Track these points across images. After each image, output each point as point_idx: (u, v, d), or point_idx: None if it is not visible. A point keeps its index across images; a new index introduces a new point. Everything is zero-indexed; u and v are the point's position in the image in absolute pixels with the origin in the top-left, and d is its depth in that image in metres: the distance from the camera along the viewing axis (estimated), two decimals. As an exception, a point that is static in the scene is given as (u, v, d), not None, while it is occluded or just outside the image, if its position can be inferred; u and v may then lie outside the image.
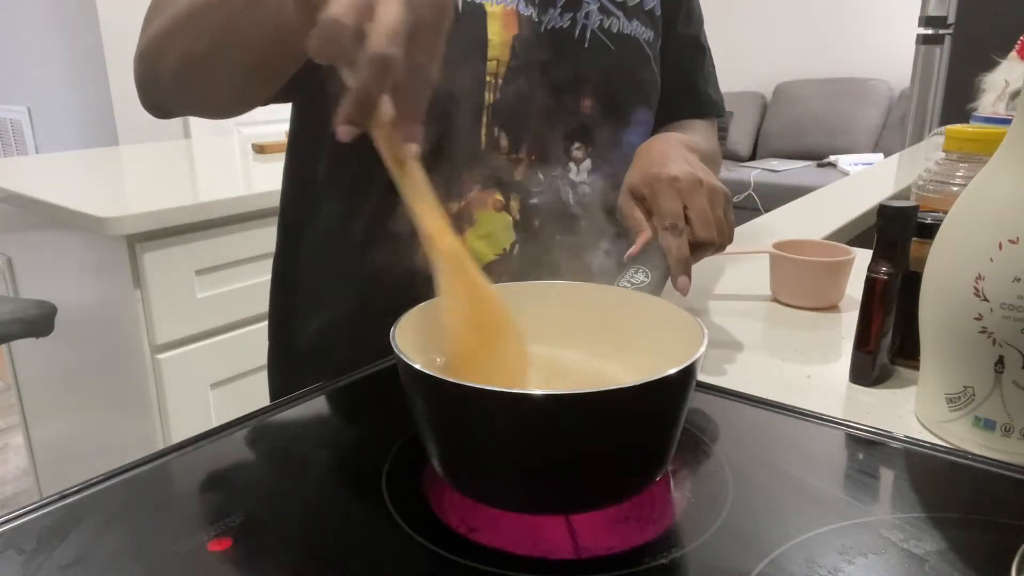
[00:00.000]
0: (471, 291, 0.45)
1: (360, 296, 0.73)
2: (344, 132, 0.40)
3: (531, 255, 0.70)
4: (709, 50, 0.88)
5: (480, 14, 0.66)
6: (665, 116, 0.83)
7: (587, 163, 0.74)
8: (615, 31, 0.73)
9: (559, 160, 0.72)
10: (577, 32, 0.71)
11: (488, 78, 0.67)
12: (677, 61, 0.82)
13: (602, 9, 0.72)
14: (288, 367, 0.83)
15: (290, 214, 0.82)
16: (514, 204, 0.70)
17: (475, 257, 0.68)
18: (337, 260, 0.75)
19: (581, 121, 0.73)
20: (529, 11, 0.68)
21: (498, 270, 0.69)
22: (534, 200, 0.71)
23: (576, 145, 0.72)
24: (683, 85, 0.85)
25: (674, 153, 0.66)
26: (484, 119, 0.68)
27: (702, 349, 0.41)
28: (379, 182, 0.59)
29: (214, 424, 0.51)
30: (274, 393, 0.85)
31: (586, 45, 0.72)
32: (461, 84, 0.66)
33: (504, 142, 0.69)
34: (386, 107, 0.41)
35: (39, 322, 1.28)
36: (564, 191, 0.72)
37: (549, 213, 0.71)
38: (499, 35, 0.66)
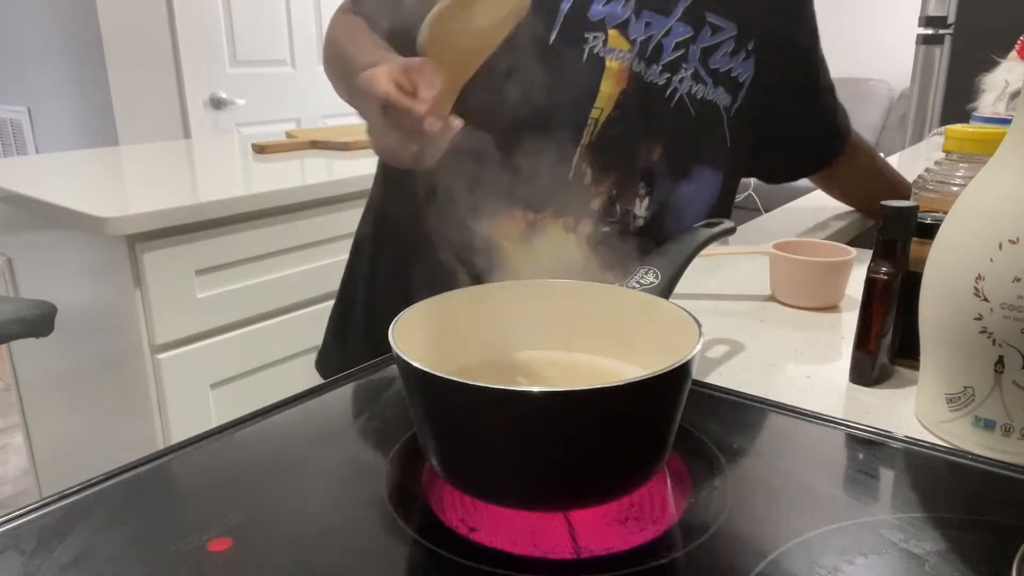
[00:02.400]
0: None
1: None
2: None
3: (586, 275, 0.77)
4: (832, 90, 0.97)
5: (599, 68, 0.74)
6: (816, 158, 0.99)
7: (647, 201, 0.83)
8: (699, 97, 0.80)
9: (626, 196, 0.81)
10: (668, 92, 0.79)
11: (589, 123, 0.76)
12: (820, 110, 0.94)
13: (695, 76, 0.80)
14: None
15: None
16: (584, 230, 0.77)
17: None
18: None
19: (648, 166, 0.81)
20: (640, 67, 0.77)
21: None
22: (605, 229, 0.80)
23: (642, 185, 0.81)
24: (827, 130, 0.97)
25: None
26: (576, 155, 0.76)
27: (698, 346, 0.41)
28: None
29: (214, 424, 0.51)
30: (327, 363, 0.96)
31: (672, 105, 0.79)
32: (565, 123, 0.75)
33: (588, 178, 0.77)
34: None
35: (39, 322, 1.27)
36: (628, 222, 0.82)
37: (611, 241, 0.77)
38: (610, 88, 0.75)
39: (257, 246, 1.45)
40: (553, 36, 0.71)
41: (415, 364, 0.40)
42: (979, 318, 0.47)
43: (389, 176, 0.90)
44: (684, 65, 0.78)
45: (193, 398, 1.40)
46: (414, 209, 0.79)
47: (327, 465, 0.48)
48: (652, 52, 0.77)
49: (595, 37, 0.73)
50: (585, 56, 0.73)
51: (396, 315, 0.46)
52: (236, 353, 1.45)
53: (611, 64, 0.74)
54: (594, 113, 0.75)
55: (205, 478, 0.46)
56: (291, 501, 0.43)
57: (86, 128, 2.89)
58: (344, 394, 0.57)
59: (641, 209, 0.82)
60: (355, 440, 0.51)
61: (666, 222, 0.85)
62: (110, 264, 1.32)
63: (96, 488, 0.44)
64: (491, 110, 0.74)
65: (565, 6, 0.71)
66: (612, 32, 0.74)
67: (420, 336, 0.46)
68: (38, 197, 1.37)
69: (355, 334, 0.95)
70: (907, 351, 0.60)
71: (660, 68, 0.77)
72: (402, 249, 0.85)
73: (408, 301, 0.49)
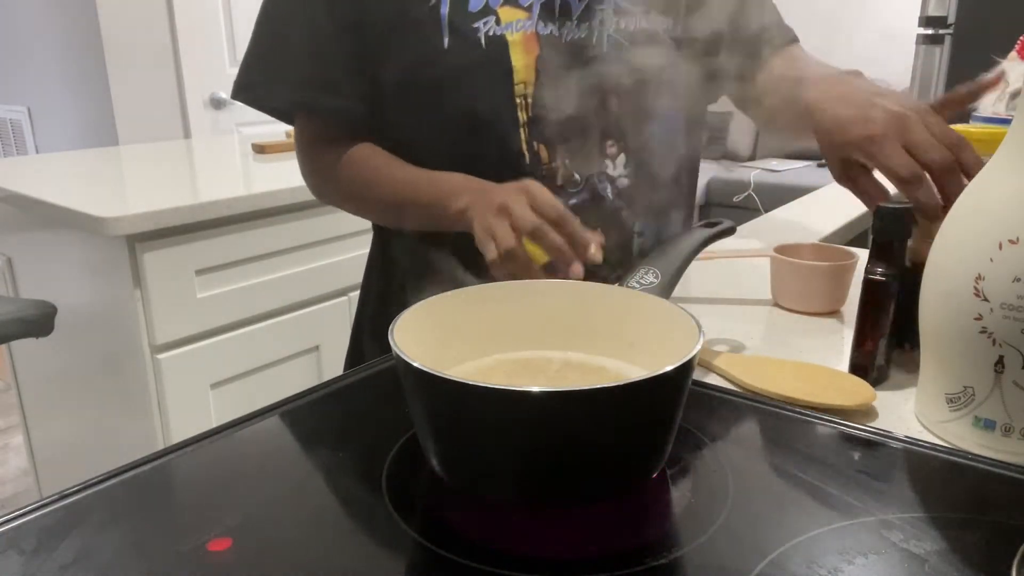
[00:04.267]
0: None
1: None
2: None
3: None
4: None
5: (503, 45, 0.73)
6: (752, 53, 0.87)
7: (622, 157, 0.80)
8: (632, 29, 0.78)
9: (595, 160, 0.78)
10: (595, 39, 0.77)
11: (519, 100, 0.74)
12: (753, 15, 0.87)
13: (617, 11, 0.77)
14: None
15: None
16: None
17: (533, 258, 0.74)
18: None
19: (609, 120, 0.78)
20: (549, 29, 0.75)
21: (552, 268, 0.75)
22: (573, 200, 0.77)
23: (609, 143, 0.78)
24: (761, 22, 0.89)
25: (848, 97, 0.69)
26: (523, 137, 0.75)
27: (698, 347, 0.41)
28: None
29: (214, 424, 0.51)
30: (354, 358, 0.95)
31: (604, 49, 0.77)
32: (497, 111, 0.74)
33: (544, 154, 0.76)
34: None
35: (39, 322, 1.27)
36: (603, 187, 0.79)
37: (586, 212, 0.76)
38: (522, 60, 0.74)
39: (257, 246, 1.45)
40: (446, 42, 0.72)
41: (415, 364, 0.40)
42: (979, 318, 0.47)
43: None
44: (599, 7, 0.76)
45: (193, 398, 1.40)
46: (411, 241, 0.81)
47: (327, 465, 0.48)
48: (560, 11, 0.75)
49: (485, 23, 0.73)
50: (483, 42, 0.73)
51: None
52: (236, 353, 1.45)
53: (513, 37, 0.73)
54: (518, 89, 0.74)
55: (205, 478, 0.46)
56: (291, 501, 0.43)
57: (86, 128, 2.89)
58: (344, 394, 0.57)
59: (618, 168, 0.80)
60: (355, 440, 0.51)
61: (648, 174, 0.82)
62: (110, 264, 1.32)
63: (96, 488, 0.44)
64: (428, 134, 0.77)
65: (445, 11, 0.72)
66: (502, 10, 0.73)
67: (420, 336, 0.46)
68: (38, 197, 1.37)
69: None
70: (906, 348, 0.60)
71: (575, 23, 0.76)
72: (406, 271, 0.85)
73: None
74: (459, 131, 0.76)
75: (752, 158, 4.47)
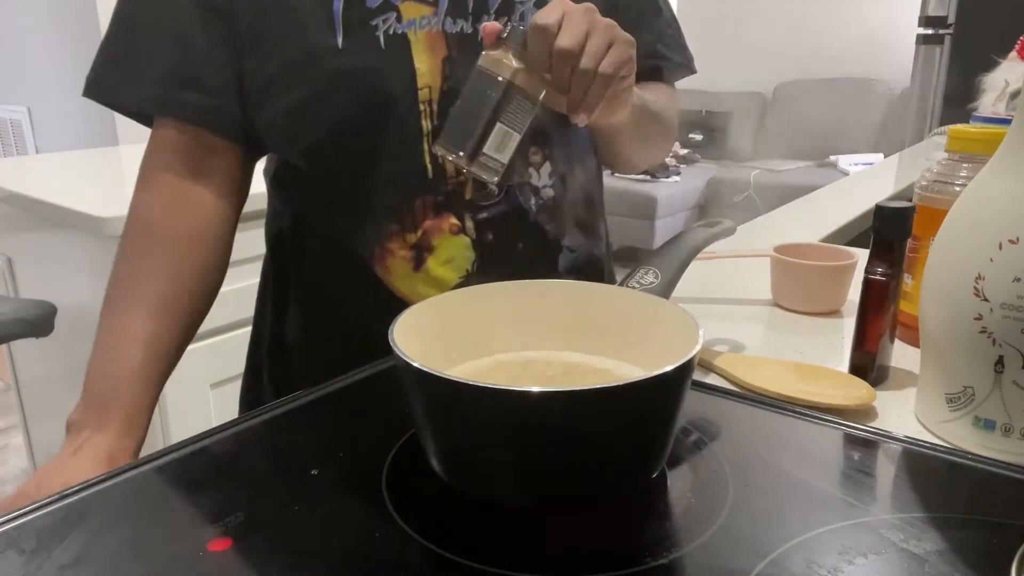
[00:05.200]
0: None
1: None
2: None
3: (490, 271, 0.69)
4: (668, 9, 0.83)
5: (404, 45, 0.65)
6: (671, 71, 0.80)
7: (547, 166, 0.72)
8: None
9: (513, 169, 0.69)
10: None
11: (422, 106, 0.66)
12: (634, 25, 0.76)
13: (538, 4, 0.69)
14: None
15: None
16: (470, 224, 0.69)
17: (439, 284, 0.68)
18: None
19: (535, 125, 0.70)
20: (459, 26, 0.67)
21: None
22: (483, 215, 0.69)
23: (532, 149, 0.70)
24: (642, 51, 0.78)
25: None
26: (425, 147, 0.67)
27: (698, 347, 0.41)
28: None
29: (214, 424, 0.51)
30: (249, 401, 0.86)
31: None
32: (396, 121, 0.66)
33: (449, 167, 0.67)
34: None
35: (39, 322, 1.27)
36: (525, 198, 0.71)
37: (504, 225, 0.70)
38: (427, 62, 0.66)
39: (257, 246, 1.44)
40: (340, 40, 0.64)
41: (415, 364, 0.40)
42: (979, 318, 0.47)
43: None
44: (519, 2, 0.69)
45: (193, 398, 1.39)
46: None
47: (327, 465, 0.48)
48: (475, 5, 0.67)
49: (384, 20, 0.65)
50: (382, 41, 0.64)
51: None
52: (236, 353, 1.45)
53: (416, 36, 0.65)
54: (422, 94, 0.66)
55: (205, 478, 0.46)
56: (291, 501, 0.43)
57: (86, 128, 2.89)
58: (344, 394, 0.57)
59: (543, 178, 0.71)
60: (355, 440, 0.51)
61: (576, 185, 0.74)
62: (110, 264, 1.32)
63: (96, 488, 0.44)
64: (308, 146, 0.67)
65: (338, 6, 0.64)
66: (404, 5, 0.65)
67: (420, 336, 0.46)
68: (38, 197, 1.37)
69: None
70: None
71: (492, 17, 0.68)
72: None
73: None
74: (350, 144, 0.67)
75: (752, 158, 4.48)
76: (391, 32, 0.65)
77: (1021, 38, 1.45)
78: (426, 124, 0.66)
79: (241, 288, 1.43)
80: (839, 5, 4.22)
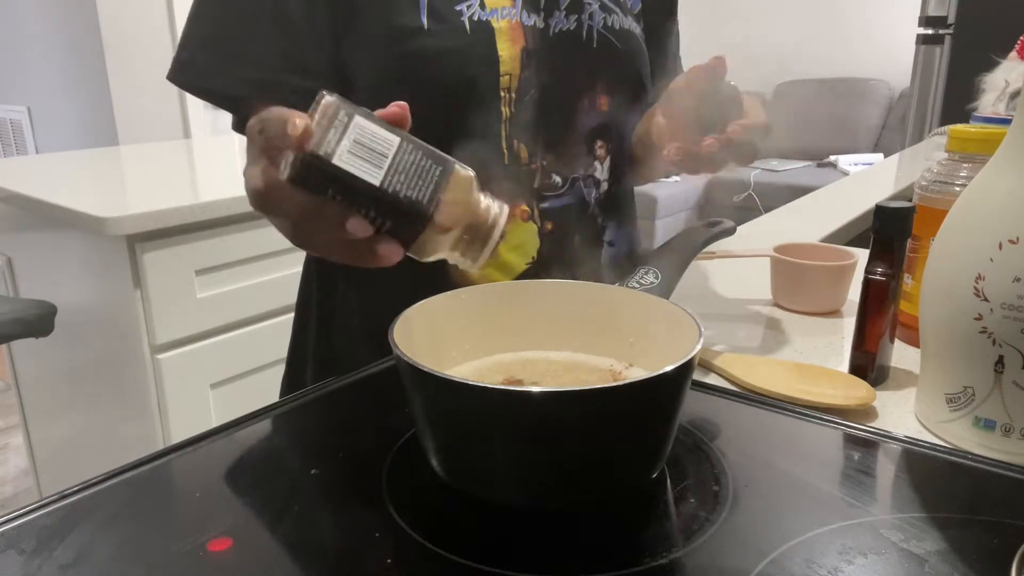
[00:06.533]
0: None
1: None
2: None
3: (549, 261, 0.72)
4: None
5: (488, 32, 0.67)
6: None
7: (609, 160, 0.75)
8: (618, 28, 0.74)
9: (579, 161, 0.73)
10: (584, 33, 0.72)
11: (503, 93, 0.68)
12: (664, 51, 0.83)
13: (603, 7, 0.73)
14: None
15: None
16: (536, 212, 0.71)
17: (507, 270, 0.70)
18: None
19: (599, 119, 0.73)
20: (533, 20, 0.69)
21: (531, 277, 0.71)
22: (546, 204, 0.71)
23: (599, 143, 0.73)
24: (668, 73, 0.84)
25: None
26: (503, 133, 0.69)
27: (698, 347, 0.41)
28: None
29: (214, 424, 0.51)
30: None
31: (594, 45, 0.72)
32: (479, 104, 0.67)
33: (523, 153, 0.70)
34: None
35: (39, 322, 1.28)
36: (588, 191, 0.74)
37: (564, 215, 0.72)
38: (508, 50, 0.67)
39: (257, 246, 1.45)
40: (424, 22, 0.64)
41: (415, 364, 0.40)
42: (979, 318, 0.47)
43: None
44: (588, 1, 0.72)
45: (193, 398, 1.39)
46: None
47: (327, 464, 0.48)
48: (547, 2, 0.70)
49: (469, 6, 0.66)
50: (468, 27, 0.66)
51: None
52: (236, 353, 1.45)
53: (499, 24, 0.67)
54: (503, 81, 0.68)
55: (205, 478, 0.46)
56: (291, 501, 0.43)
57: (86, 128, 2.89)
58: (344, 394, 0.57)
59: (604, 171, 0.75)
60: (355, 440, 0.51)
61: (627, 180, 0.77)
62: (110, 264, 1.32)
63: (96, 488, 0.44)
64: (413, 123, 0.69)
65: None
66: None
67: (420, 336, 0.46)
68: (38, 197, 1.37)
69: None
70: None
71: (563, 13, 0.71)
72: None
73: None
74: (430, 125, 0.67)
75: (752, 158, 4.47)
76: (475, 18, 0.66)
77: (1021, 38, 1.45)
78: (505, 110, 0.68)
79: (242, 288, 1.44)
80: (840, 5, 4.22)
